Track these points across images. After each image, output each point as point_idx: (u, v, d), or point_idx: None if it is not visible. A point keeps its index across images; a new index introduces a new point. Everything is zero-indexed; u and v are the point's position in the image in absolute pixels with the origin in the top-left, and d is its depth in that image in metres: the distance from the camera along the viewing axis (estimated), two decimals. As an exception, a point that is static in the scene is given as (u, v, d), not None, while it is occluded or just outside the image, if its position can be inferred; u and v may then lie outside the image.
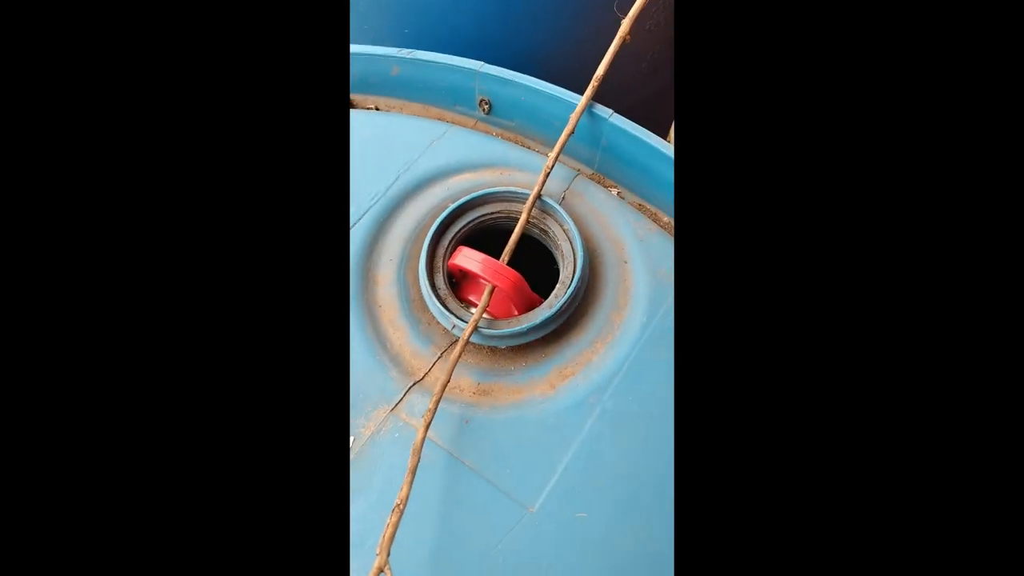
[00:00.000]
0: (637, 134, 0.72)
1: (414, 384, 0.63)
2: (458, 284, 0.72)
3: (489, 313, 0.66)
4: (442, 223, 0.70)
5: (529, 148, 0.81)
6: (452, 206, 0.71)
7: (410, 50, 0.81)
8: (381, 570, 0.48)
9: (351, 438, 0.60)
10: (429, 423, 0.56)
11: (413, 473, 0.52)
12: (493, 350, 0.66)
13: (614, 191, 0.76)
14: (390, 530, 0.49)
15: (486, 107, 0.82)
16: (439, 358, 0.65)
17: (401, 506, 0.50)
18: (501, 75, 0.78)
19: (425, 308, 0.68)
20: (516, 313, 0.67)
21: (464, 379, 0.64)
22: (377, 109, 0.87)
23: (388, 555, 0.48)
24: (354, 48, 0.84)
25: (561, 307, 0.64)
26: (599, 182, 0.78)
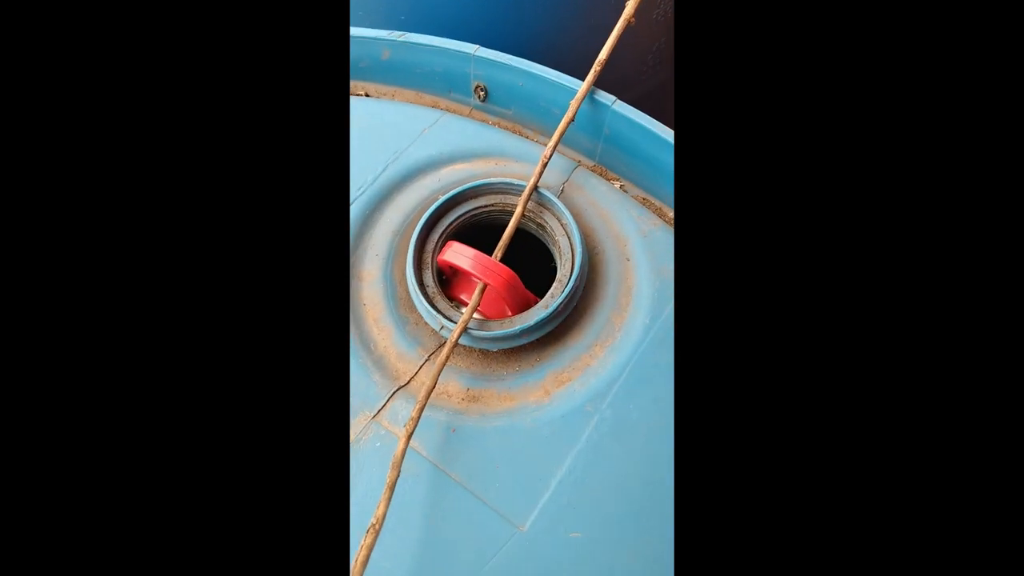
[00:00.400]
0: (642, 123, 0.68)
1: (398, 389, 0.59)
2: (448, 282, 0.68)
3: (480, 313, 0.62)
4: (431, 216, 0.66)
5: (527, 137, 0.76)
6: (443, 198, 0.67)
7: (401, 32, 0.77)
8: (353, 597, 0.43)
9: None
10: (411, 433, 0.52)
11: (391, 489, 0.48)
12: (484, 353, 0.62)
13: (617, 184, 0.72)
14: (364, 552, 0.45)
15: (482, 94, 0.77)
16: (426, 361, 0.61)
17: (377, 526, 0.46)
18: (498, 59, 0.73)
19: (412, 307, 0.64)
20: (509, 313, 0.63)
21: (452, 384, 0.60)
22: (367, 95, 0.83)
23: (361, 580, 0.44)
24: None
25: (558, 307, 0.60)
26: (601, 174, 0.73)
